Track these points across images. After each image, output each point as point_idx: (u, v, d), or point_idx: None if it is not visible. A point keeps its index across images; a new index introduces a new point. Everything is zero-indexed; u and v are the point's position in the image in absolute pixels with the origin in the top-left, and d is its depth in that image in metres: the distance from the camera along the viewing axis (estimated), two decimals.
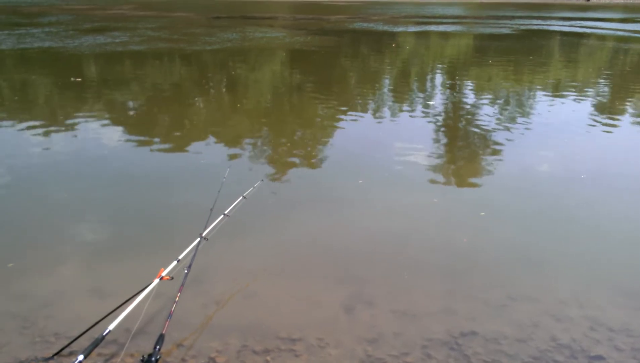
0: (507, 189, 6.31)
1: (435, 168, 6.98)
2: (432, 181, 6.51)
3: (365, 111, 10.55)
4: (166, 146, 7.88)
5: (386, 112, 10.49)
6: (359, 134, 8.85)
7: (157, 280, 3.38)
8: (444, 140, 8.51)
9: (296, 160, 7.25)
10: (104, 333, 2.97)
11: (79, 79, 12.99)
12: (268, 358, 3.36)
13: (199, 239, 3.83)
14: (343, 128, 9.09)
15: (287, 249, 4.79)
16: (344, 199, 5.89)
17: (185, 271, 3.54)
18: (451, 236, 5.02)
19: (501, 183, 6.52)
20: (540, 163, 7.38)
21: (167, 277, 3.43)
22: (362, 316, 3.79)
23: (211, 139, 8.31)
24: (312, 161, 7.28)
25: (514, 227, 5.25)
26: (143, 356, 3.02)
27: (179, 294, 3.39)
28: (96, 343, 2.91)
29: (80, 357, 2.76)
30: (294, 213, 5.51)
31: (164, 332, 3.14)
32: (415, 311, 3.85)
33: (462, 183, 6.65)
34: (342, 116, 9.86)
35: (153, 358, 2.95)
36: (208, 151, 7.62)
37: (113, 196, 5.89)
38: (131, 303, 3.20)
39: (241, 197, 4.68)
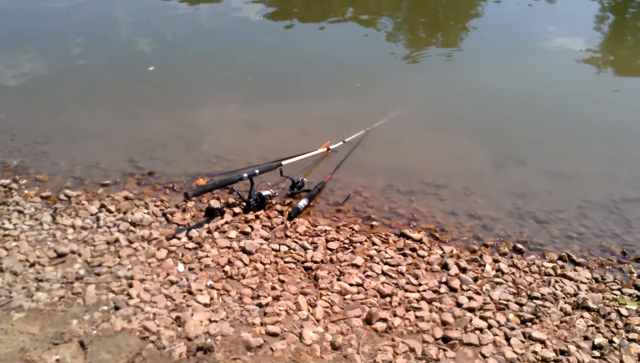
0: None
1: (597, 43, 6.15)
2: (594, 53, 5.78)
3: None
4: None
5: None
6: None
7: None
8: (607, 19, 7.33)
9: (450, 27, 6.78)
10: (276, 165, 3.48)
11: None
12: (412, 198, 3.40)
13: None
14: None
15: (438, 105, 4.62)
16: (502, 62, 5.47)
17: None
18: (617, 107, 4.55)
19: None
20: None
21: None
22: (512, 173, 3.65)
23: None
24: (467, 29, 6.77)
25: None
26: (292, 180, 3.44)
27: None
28: (270, 168, 3.44)
29: (257, 170, 3.32)
30: (449, 73, 5.24)
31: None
32: (572, 173, 3.62)
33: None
34: None
35: (299, 183, 3.44)
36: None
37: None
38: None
39: None
